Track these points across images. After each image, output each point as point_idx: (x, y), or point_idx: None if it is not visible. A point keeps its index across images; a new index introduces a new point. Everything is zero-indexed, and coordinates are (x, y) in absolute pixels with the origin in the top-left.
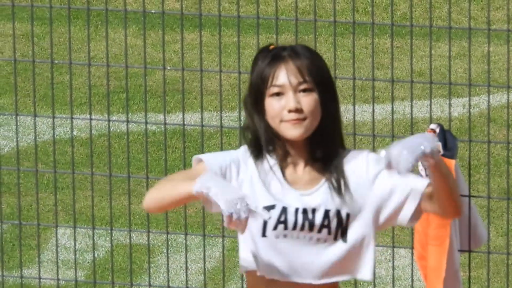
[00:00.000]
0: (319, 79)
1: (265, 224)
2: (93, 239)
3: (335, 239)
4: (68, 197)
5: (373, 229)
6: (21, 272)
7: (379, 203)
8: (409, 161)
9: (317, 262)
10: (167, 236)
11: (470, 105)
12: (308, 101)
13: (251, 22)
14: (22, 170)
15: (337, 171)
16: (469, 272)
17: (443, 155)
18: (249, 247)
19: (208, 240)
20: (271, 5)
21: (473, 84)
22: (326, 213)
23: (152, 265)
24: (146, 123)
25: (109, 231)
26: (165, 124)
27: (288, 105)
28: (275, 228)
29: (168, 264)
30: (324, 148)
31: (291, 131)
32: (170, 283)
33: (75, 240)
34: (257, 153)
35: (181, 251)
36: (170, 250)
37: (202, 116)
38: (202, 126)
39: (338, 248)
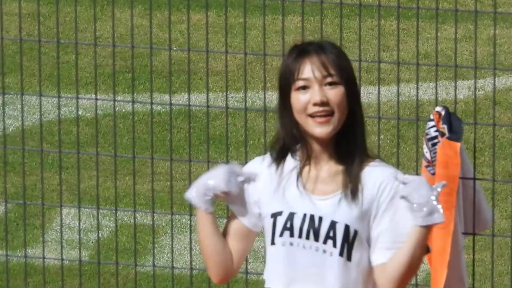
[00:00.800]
0: (345, 74)
1: (274, 231)
2: (98, 219)
3: (341, 254)
4: (72, 177)
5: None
6: (25, 251)
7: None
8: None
9: (321, 275)
10: (172, 216)
11: (475, 88)
12: (334, 94)
13: (257, 3)
14: (27, 149)
15: (355, 182)
16: (473, 255)
17: (448, 138)
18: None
19: None
20: None
21: (479, 66)
22: (333, 224)
23: (156, 245)
24: (152, 103)
25: (114, 211)
26: (170, 104)
27: (313, 98)
28: (281, 234)
29: (172, 245)
30: (348, 149)
31: (318, 128)
32: (174, 263)
33: (79, 220)
34: (281, 155)
35: (186, 231)
36: (175, 231)
37: (207, 97)
38: (208, 106)
39: (342, 265)
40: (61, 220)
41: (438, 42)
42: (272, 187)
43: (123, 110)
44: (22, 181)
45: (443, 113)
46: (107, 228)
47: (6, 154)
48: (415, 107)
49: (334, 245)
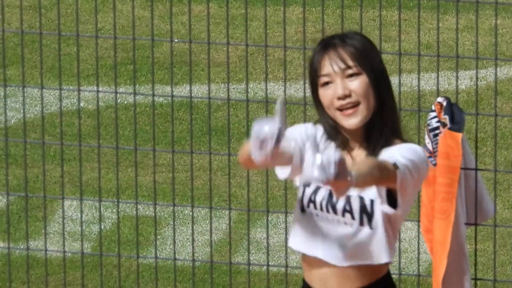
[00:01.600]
0: (367, 64)
1: (302, 199)
2: (100, 211)
3: (361, 224)
4: (74, 169)
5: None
6: (27, 244)
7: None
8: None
9: (341, 245)
10: (174, 208)
11: (477, 78)
12: (356, 84)
13: None
14: (28, 141)
15: (371, 154)
16: (476, 245)
17: (450, 129)
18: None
19: (214, 212)
20: None
21: (480, 57)
22: (348, 198)
23: (158, 237)
24: (153, 95)
25: (116, 203)
26: (172, 96)
27: (336, 93)
28: (308, 206)
29: (174, 236)
30: (379, 135)
31: (348, 121)
32: (176, 255)
33: (81, 212)
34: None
35: (188, 223)
36: (177, 222)
37: (209, 88)
38: (209, 98)
39: (364, 234)
40: (63, 212)
41: (440, 33)
42: (316, 155)
43: (125, 102)
44: (24, 173)
45: (444, 103)
46: (109, 220)
47: (8, 147)
48: (416, 97)
49: (353, 218)
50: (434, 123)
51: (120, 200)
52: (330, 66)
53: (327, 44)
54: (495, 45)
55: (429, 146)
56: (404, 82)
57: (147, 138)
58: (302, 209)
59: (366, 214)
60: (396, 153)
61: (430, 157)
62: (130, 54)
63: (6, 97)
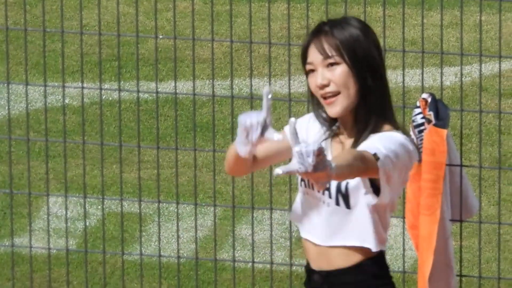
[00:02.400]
0: (348, 53)
1: (297, 178)
2: (85, 208)
3: (337, 204)
4: (59, 166)
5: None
6: (12, 240)
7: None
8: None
9: (323, 224)
10: (159, 204)
11: (462, 74)
12: (335, 74)
13: None
14: (13, 138)
15: (358, 141)
16: (461, 242)
17: (435, 125)
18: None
19: (199, 209)
20: None
21: (465, 53)
22: None
23: (143, 233)
24: (138, 91)
25: (101, 199)
26: (157, 92)
27: (316, 82)
28: (300, 184)
29: (159, 233)
30: (365, 123)
31: (329, 109)
32: (161, 251)
33: (66, 208)
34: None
35: (173, 219)
36: (162, 219)
37: (194, 85)
38: (194, 94)
39: (341, 213)
40: (48, 209)
41: (425, 29)
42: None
43: (110, 98)
44: (9, 170)
45: (429, 99)
46: (94, 217)
47: None
48: (401, 94)
49: (330, 196)
50: (419, 119)
51: (105, 196)
52: (312, 54)
53: (315, 31)
54: (480, 41)
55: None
56: (389, 79)
57: (132, 135)
58: (300, 185)
59: (341, 194)
60: (376, 143)
61: None
62: (115, 50)
63: None
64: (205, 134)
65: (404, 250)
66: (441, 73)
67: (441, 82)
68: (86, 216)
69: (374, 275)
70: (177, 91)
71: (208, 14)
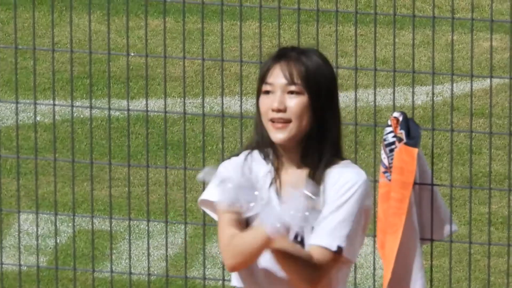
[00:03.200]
0: (313, 85)
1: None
2: (56, 225)
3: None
4: (30, 183)
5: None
6: None
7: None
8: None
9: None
10: (129, 222)
11: (433, 94)
12: (294, 103)
13: (215, 8)
14: None
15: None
16: (431, 261)
17: (406, 143)
18: None
19: (170, 227)
20: None
21: (437, 72)
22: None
23: (114, 251)
24: (110, 109)
25: (72, 217)
26: (128, 110)
27: (273, 104)
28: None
29: (130, 251)
30: (315, 156)
31: (275, 134)
32: (132, 269)
33: (37, 225)
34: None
35: (143, 237)
36: (132, 237)
37: (165, 103)
38: (166, 112)
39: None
40: (19, 226)
41: (396, 48)
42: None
43: (81, 116)
44: None
45: (400, 118)
46: (65, 234)
47: None
48: (373, 112)
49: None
50: (390, 138)
51: (76, 214)
52: (276, 76)
53: (282, 55)
54: (451, 61)
55: (385, 161)
56: (360, 97)
57: (103, 152)
58: None
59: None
60: (333, 222)
61: (386, 172)
62: (87, 68)
63: None
64: (176, 152)
65: (374, 269)
66: (413, 92)
67: (413, 101)
68: (57, 233)
69: None
70: (149, 109)
71: (180, 32)
